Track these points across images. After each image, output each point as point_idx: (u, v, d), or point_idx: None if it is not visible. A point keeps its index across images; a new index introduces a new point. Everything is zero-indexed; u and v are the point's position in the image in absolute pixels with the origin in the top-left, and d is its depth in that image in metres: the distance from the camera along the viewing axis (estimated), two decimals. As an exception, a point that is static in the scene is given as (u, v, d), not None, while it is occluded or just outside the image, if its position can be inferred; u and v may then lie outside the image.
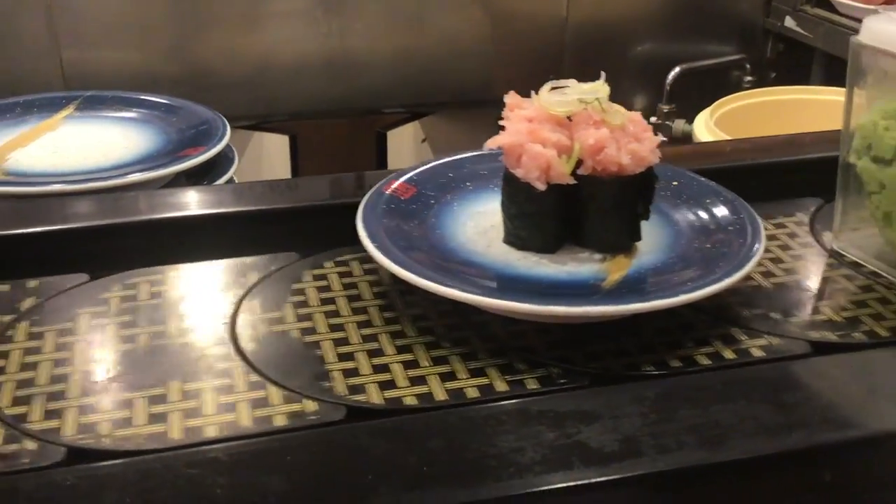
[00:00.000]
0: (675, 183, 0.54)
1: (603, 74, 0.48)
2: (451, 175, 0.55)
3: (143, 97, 0.85)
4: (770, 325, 0.45)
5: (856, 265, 0.51)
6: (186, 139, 0.78)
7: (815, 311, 0.46)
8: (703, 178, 0.54)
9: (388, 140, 1.10)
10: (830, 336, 0.44)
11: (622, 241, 0.48)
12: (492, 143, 0.48)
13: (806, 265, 0.51)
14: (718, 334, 0.44)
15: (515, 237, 0.49)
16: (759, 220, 0.48)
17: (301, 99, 1.10)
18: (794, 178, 0.60)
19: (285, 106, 1.09)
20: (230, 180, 0.76)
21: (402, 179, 0.53)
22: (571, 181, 0.46)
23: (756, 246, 0.46)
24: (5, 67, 0.96)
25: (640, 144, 0.47)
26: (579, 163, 0.47)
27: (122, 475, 0.34)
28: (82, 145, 0.77)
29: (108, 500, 0.32)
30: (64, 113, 0.83)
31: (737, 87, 1.20)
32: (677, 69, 1.18)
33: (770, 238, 0.54)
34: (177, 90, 0.89)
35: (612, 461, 0.34)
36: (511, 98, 0.49)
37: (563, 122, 0.48)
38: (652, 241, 0.49)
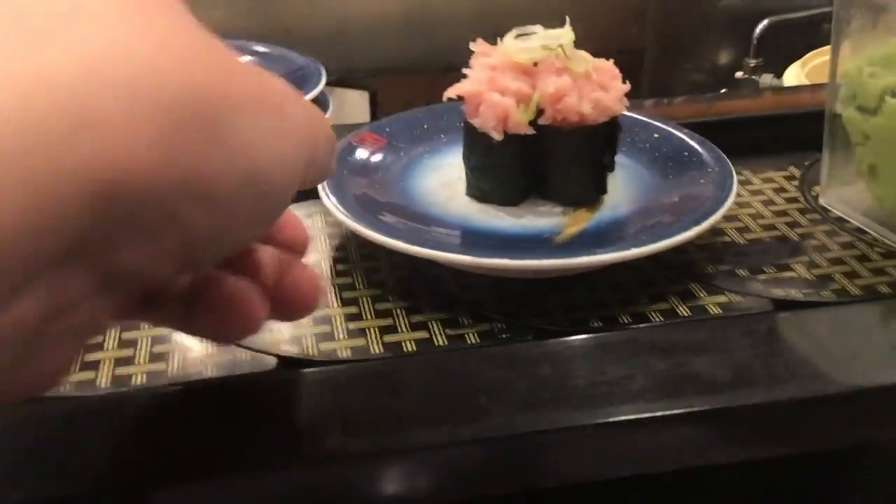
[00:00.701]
0: (656, 135, 0.52)
1: (567, 20, 0.46)
2: (426, 126, 0.54)
3: (238, 42, 0.84)
4: (734, 283, 0.43)
5: (841, 221, 0.48)
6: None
7: (786, 268, 0.44)
8: (686, 131, 0.51)
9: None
10: (795, 294, 0.42)
11: (587, 193, 0.47)
12: (451, 92, 0.46)
13: (786, 221, 0.48)
14: (677, 291, 0.42)
15: (477, 189, 0.47)
16: (734, 176, 0.46)
17: (381, 55, 1.10)
18: (790, 130, 0.57)
19: (365, 62, 1.09)
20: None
21: (373, 130, 0.52)
22: (530, 131, 0.45)
23: (723, 204, 0.44)
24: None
25: (604, 93, 0.45)
26: (541, 112, 0.45)
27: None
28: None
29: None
30: None
31: (827, 40, 1.14)
32: (766, 21, 1.12)
33: (755, 193, 0.52)
34: (259, 47, 0.90)
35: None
36: (478, 46, 0.48)
37: (529, 71, 0.46)
38: (620, 195, 0.47)
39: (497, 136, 0.44)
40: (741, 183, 0.52)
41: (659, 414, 0.33)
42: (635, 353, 0.36)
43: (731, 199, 0.44)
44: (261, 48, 0.84)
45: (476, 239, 0.44)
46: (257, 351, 0.38)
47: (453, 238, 0.44)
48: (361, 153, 0.50)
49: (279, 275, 0.29)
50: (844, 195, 0.49)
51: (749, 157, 0.55)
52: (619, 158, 0.49)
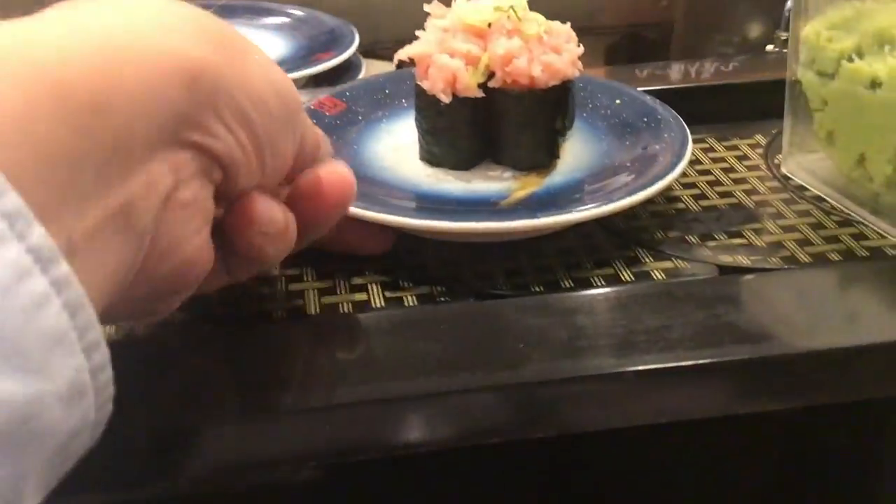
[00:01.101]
0: (618, 101, 0.51)
1: (521, -21, 0.45)
2: (387, 91, 0.53)
3: (271, 6, 0.83)
4: (682, 249, 0.42)
5: (801, 189, 0.47)
6: (317, 45, 0.76)
7: (737, 235, 0.43)
8: (648, 98, 0.50)
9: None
10: (743, 261, 0.41)
11: (539, 157, 0.46)
12: (401, 55, 0.46)
13: (745, 189, 0.48)
14: (624, 256, 0.42)
15: (429, 153, 0.47)
16: (689, 140, 0.45)
17: (407, 26, 1.09)
18: (760, 98, 0.56)
19: (390, 34, 1.08)
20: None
21: (333, 94, 0.52)
22: (479, 94, 0.44)
23: (675, 169, 0.42)
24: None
25: (556, 56, 0.44)
26: (492, 75, 0.44)
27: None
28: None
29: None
30: None
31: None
32: (798, -6, 1.10)
33: (716, 161, 0.51)
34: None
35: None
36: (433, 7, 0.47)
37: (481, 33, 0.45)
38: (574, 160, 0.46)
39: (445, 99, 0.44)
40: (704, 150, 0.52)
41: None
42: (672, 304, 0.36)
43: (683, 164, 0.43)
44: (292, 10, 0.83)
45: (421, 202, 0.44)
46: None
47: (397, 200, 0.43)
48: (318, 118, 0.49)
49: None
50: (805, 163, 0.48)
51: (717, 125, 0.54)
52: (578, 123, 0.48)
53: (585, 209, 0.40)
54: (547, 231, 0.41)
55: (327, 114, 0.50)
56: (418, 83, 0.45)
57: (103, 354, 0.22)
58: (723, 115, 0.54)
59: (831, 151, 0.45)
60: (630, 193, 0.41)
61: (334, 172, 0.33)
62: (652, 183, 0.41)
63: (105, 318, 0.24)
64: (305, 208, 0.33)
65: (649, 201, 0.45)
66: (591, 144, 0.48)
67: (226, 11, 0.81)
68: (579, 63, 0.45)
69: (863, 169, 0.43)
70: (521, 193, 0.44)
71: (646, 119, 0.48)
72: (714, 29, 1.26)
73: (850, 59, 0.43)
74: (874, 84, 0.41)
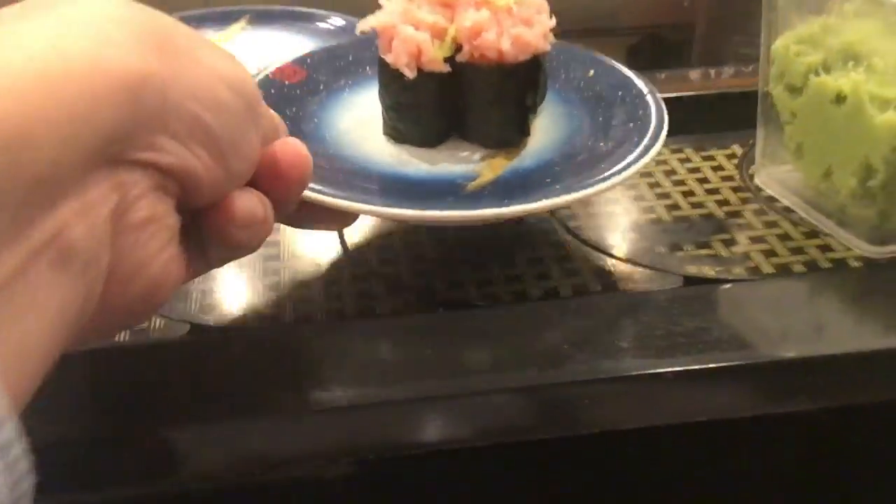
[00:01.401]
0: (591, 72, 0.48)
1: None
2: (350, 58, 0.50)
3: (309, 11, 0.77)
4: (650, 259, 0.43)
5: (771, 201, 0.48)
6: None
7: (705, 245, 0.44)
8: (623, 69, 0.48)
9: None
10: (708, 271, 0.42)
11: (508, 135, 0.44)
12: (363, 25, 0.43)
13: (717, 199, 0.48)
14: (591, 267, 0.43)
15: (393, 130, 0.45)
16: (665, 122, 0.42)
17: None
18: (737, 108, 0.56)
19: None
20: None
21: (294, 62, 0.48)
22: (445, 69, 0.42)
23: (647, 154, 0.40)
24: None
25: (526, 29, 0.42)
26: (460, 49, 0.42)
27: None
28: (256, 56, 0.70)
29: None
30: (237, 26, 0.75)
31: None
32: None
33: (692, 171, 0.52)
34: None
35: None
36: (397, -27, 0.44)
37: (449, 3, 0.43)
38: (544, 138, 0.44)
39: (410, 74, 0.41)
40: (681, 161, 0.53)
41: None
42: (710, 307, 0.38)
43: (658, 146, 0.41)
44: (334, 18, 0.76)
45: (382, 183, 0.42)
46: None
47: (358, 181, 0.41)
48: (277, 87, 0.46)
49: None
50: (777, 174, 0.49)
51: (694, 135, 0.55)
52: (551, 96, 0.46)
53: (552, 199, 0.38)
54: (505, 218, 0.40)
55: (287, 82, 0.47)
56: (381, 56, 0.43)
57: (10, 430, 0.20)
58: (701, 126, 0.55)
59: (800, 164, 0.46)
60: (601, 180, 0.39)
61: (290, 152, 0.32)
62: (625, 168, 0.39)
63: (81, 342, 0.25)
64: (264, 190, 0.31)
65: (623, 211, 0.46)
66: (562, 120, 0.46)
67: (263, 16, 0.76)
68: (551, 36, 0.43)
69: (830, 181, 0.44)
70: (489, 176, 0.42)
71: (621, 93, 0.46)
72: (735, 30, 1.27)
73: (818, 74, 0.43)
74: (839, 98, 0.42)
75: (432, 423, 0.34)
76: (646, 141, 0.41)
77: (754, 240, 0.45)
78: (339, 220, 0.39)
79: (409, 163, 0.43)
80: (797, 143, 0.46)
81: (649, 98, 0.45)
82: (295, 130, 0.40)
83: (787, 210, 0.47)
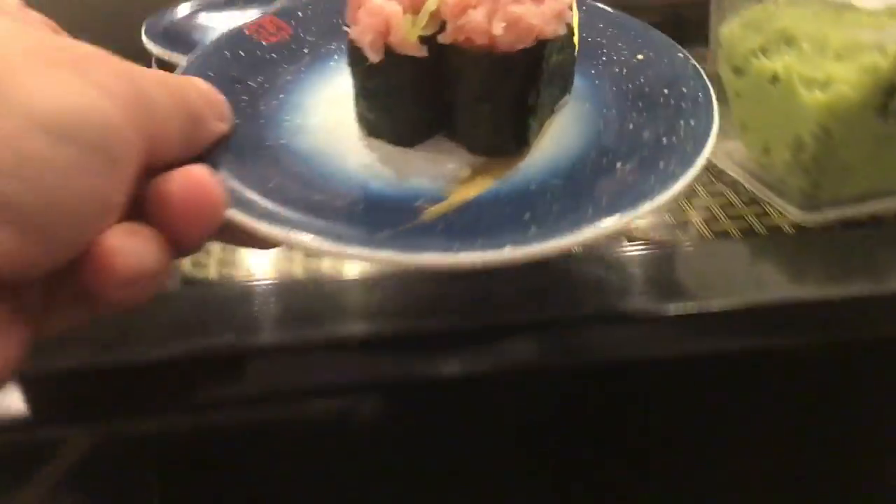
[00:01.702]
0: (639, 57, 0.39)
1: None
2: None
3: None
4: (601, 225, 0.47)
5: (720, 174, 0.52)
6: None
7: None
8: (682, 55, 0.38)
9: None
10: (653, 235, 0.46)
11: (500, 142, 0.34)
12: None
13: (670, 172, 0.52)
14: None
15: (364, 120, 0.36)
16: (708, 144, 0.32)
17: None
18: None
19: None
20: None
21: (278, 14, 0.40)
22: (421, 53, 0.33)
23: (668, 189, 0.29)
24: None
25: (530, 6, 0.32)
26: (443, 27, 0.33)
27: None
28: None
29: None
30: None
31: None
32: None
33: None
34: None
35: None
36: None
37: None
38: (553, 143, 0.34)
39: (373, 56, 0.33)
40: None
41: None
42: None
43: (683, 182, 0.30)
44: None
45: (322, 200, 0.31)
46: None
47: (292, 192, 0.31)
48: (248, 48, 0.38)
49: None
50: (726, 149, 0.53)
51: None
52: (580, 84, 0.38)
53: (521, 247, 0.27)
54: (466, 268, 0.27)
55: (264, 42, 0.39)
56: (346, 28, 0.34)
57: None
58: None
59: (744, 139, 0.50)
60: (589, 224, 0.28)
61: (189, 188, 0.25)
62: (629, 210, 0.29)
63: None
64: (161, 227, 0.25)
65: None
66: (583, 122, 0.36)
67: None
68: (568, 14, 0.34)
69: (769, 156, 0.48)
70: (458, 197, 0.32)
71: (666, 91, 0.36)
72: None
73: (757, 56, 0.47)
74: (775, 79, 0.46)
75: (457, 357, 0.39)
76: (672, 167, 0.31)
77: (699, 208, 0.49)
78: (269, 241, 0.29)
79: (373, 167, 0.34)
80: (742, 120, 0.50)
81: (701, 101, 0.34)
82: (250, 107, 0.35)
83: (735, 182, 0.51)
